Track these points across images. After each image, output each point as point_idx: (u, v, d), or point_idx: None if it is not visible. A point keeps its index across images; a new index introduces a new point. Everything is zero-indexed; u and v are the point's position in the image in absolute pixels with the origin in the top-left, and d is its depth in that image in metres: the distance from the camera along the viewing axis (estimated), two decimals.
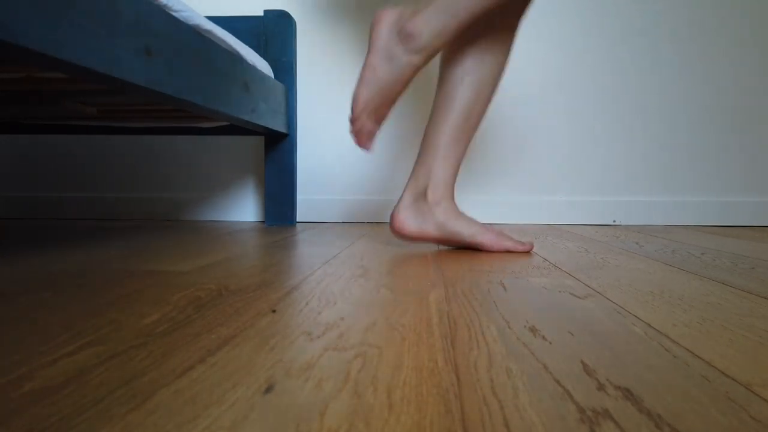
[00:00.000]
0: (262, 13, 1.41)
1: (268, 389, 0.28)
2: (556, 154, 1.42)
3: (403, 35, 0.73)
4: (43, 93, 0.91)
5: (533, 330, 0.40)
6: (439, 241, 0.82)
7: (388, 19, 0.75)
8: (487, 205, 1.41)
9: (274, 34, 1.29)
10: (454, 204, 0.83)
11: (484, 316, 0.44)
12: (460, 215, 0.82)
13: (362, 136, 0.77)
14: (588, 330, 0.40)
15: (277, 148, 1.32)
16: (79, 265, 0.67)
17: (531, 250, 0.83)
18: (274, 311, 0.44)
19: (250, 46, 1.30)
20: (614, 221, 1.41)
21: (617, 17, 1.39)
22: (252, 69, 1.04)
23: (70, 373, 0.30)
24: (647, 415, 0.25)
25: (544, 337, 0.38)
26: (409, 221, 0.81)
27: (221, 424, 0.24)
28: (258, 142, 1.45)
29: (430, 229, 0.81)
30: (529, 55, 1.40)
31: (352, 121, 0.76)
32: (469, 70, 0.81)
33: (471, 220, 0.83)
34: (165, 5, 0.73)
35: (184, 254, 0.78)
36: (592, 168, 1.42)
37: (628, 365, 0.32)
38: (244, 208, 1.46)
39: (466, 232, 0.81)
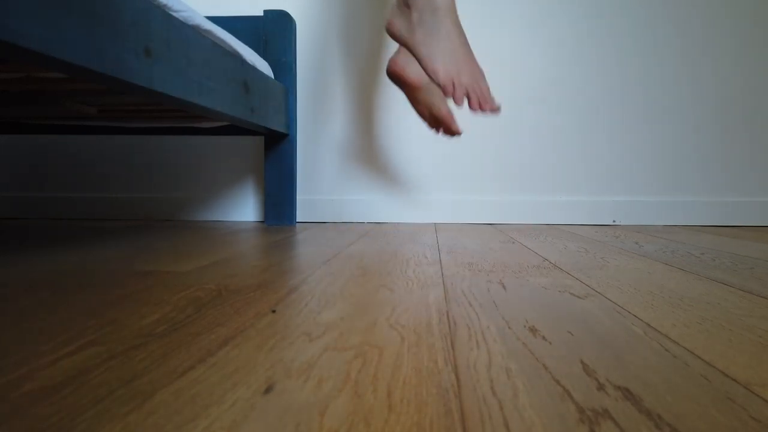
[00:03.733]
0: (262, 13, 1.41)
1: (268, 389, 0.28)
2: (556, 154, 1.42)
3: (410, 0, 0.70)
4: (43, 93, 0.91)
5: (533, 330, 0.40)
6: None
7: (394, 13, 0.74)
8: (487, 205, 1.41)
9: (274, 34, 1.29)
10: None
11: (484, 316, 0.44)
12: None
13: (473, 95, 0.69)
14: (588, 330, 0.40)
15: (277, 148, 1.32)
16: (79, 265, 0.67)
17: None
18: (274, 311, 0.44)
19: (250, 46, 1.30)
20: (614, 221, 1.41)
21: (617, 18, 1.39)
22: (252, 69, 1.04)
23: (70, 373, 0.30)
24: (647, 415, 0.25)
25: (544, 337, 0.38)
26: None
27: (221, 424, 0.24)
28: (258, 142, 1.45)
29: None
30: (529, 55, 1.40)
31: (457, 96, 0.69)
32: None
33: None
34: (165, 5, 0.73)
35: (184, 254, 0.78)
36: (592, 168, 1.42)
37: (628, 365, 0.32)
38: (244, 208, 1.46)
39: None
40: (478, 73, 0.72)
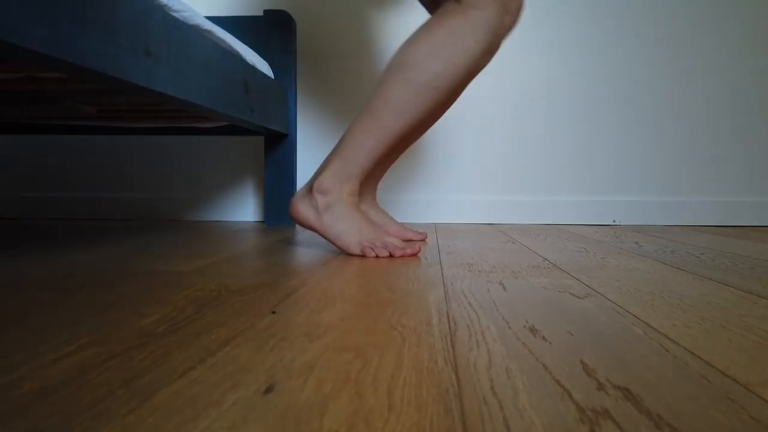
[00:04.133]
0: (262, 13, 1.41)
1: (268, 389, 0.28)
2: (556, 154, 1.42)
3: (319, 192, 0.80)
4: (43, 93, 0.91)
5: (533, 330, 0.40)
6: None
7: (299, 197, 0.82)
8: (487, 205, 1.41)
9: (274, 34, 1.29)
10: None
11: (484, 316, 0.44)
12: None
13: (391, 248, 0.78)
14: (588, 330, 0.40)
15: (276, 148, 1.32)
16: (80, 265, 0.67)
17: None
18: (274, 312, 0.44)
19: (250, 46, 1.30)
20: (614, 221, 1.41)
21: (618, 19, 1.39)
22: (252, 69, 1.04)
23: (70, 373, 0.30)
24: (647, 415, 0.25)
25: (544, 337, 0.38)
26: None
27: (221, 424, 0.24)
28: (258, 142, 1.45)
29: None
30: (530, 56, 1.40)
31: (379, 253, 0.77)
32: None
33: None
34: (165, 5, 0.73)
35: (184, 254, 0.78)
36: (592, 168, 1.42)
37: (628, 365, 0.32)
38: (244, 208, 1.46)
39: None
40: (382, 233, 0.81)
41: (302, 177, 1.44)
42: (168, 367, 0.31)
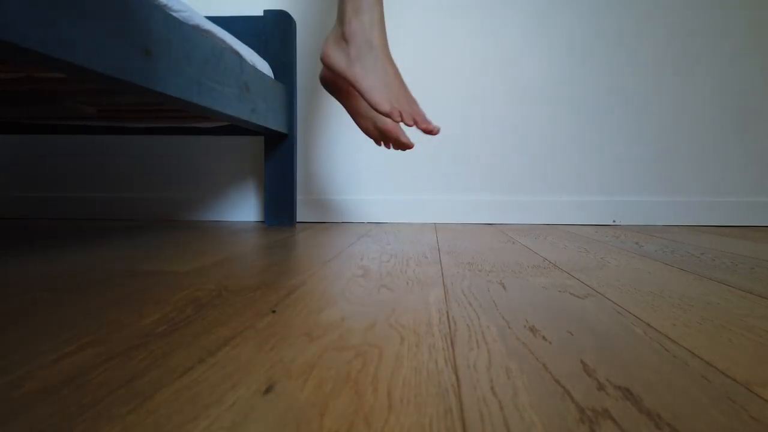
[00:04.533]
0: (262, 13, 1.41)
1: (268, 389, 0.28)
2: (556, 154, 1.42)
3: (348, 36, 0.75)
4: (43, 93, 0.91)
5: (533, 330, 0.40)
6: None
7: (331, 42, 0.78)
8: (487, 205, 1.41)
9: (274, 34, 1.29)
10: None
11: (484, 315, 0.44)
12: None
13: (418, 117, 0.75)
14: (588, 330, 0.40)
15: (276, 148, 1.32)
16: (79, 265, 0.67)
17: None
18: (274, 311, 0.44)
19: (250, 46, 1.30)
20: (614, 221, 1.41)
21: (618, 19, 1.39)
22: (252, 69, 1.04)
23: (70, 373, 0.30)
24: (647, 415, 0.25)
25: (544, 337, 0.38)
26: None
27: (221, 424, 0.24)
28: (258, 142, 1.45)
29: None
30: (530, 55, 1.40)
31: (405, 118, 0.74)
32: None
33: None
34: (165, 5, 0.73)
35: (184, 254, 0.78)
36: (592, 168, 1.42)
37: (628, 365, 0.32)
38: (244, 208, 1.46)
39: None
40: (413, 101, 0.78)
41: (302, 177, 1.44)
42: (168, 367, 0.31)
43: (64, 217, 1.49)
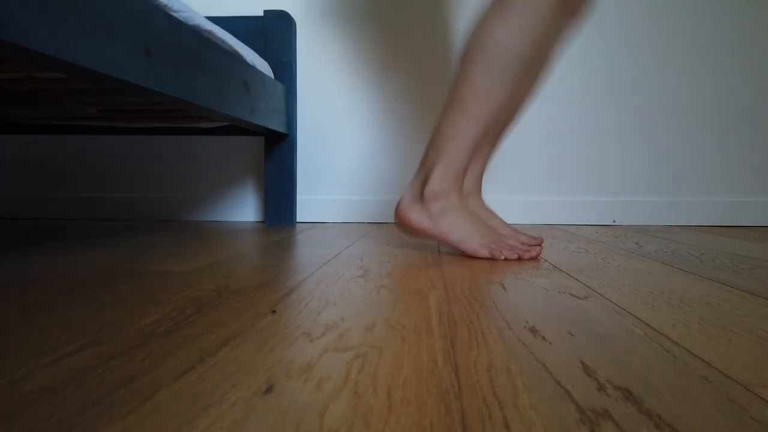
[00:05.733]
0: (262, 13, 1.41)
1: (268, 390, 0.28)
2: (556, 154, 1.42)
3: (432, 197, 0.77)
4: (43, 93, 0.91)
5: (533, 330, 0.40)
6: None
7: (408, 206, 0.79)
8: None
9: (274, 34, 1.29)
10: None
11: (484, 316, 0.44)
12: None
13: (519, 250, 0.77)
14: (588, 330, 0.40)
15: (276, 148, 1.32)
16: (79, 265, 0.67)
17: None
18: (274, 312, 0.44)
19: (250, 46, 1.30)
20: (614, 221, 1.41)
21: (619, 18, 1.39)
22: (252, 69, 1.04)
23: (70, 373, 0.30)
24: (647, 415, 0.25)
25: (544, 338, 0.38)
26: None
27: (221, 424, 0.24)
28: (258, 142, 1.45)
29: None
30: None
31: (507, 255, 0.77)
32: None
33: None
34: (165, 5, 0.73)
35: (184, 254, 0.78)
36: (592, 168, 1.42)
37: (628, 365, 0.32)
38: (244, 208, 1.46)
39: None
40: (507, 234, 0.81)
41: (302, 177, 1.44)
42: (168, 367, 0.31)
43: (64, 217, 1.49)
